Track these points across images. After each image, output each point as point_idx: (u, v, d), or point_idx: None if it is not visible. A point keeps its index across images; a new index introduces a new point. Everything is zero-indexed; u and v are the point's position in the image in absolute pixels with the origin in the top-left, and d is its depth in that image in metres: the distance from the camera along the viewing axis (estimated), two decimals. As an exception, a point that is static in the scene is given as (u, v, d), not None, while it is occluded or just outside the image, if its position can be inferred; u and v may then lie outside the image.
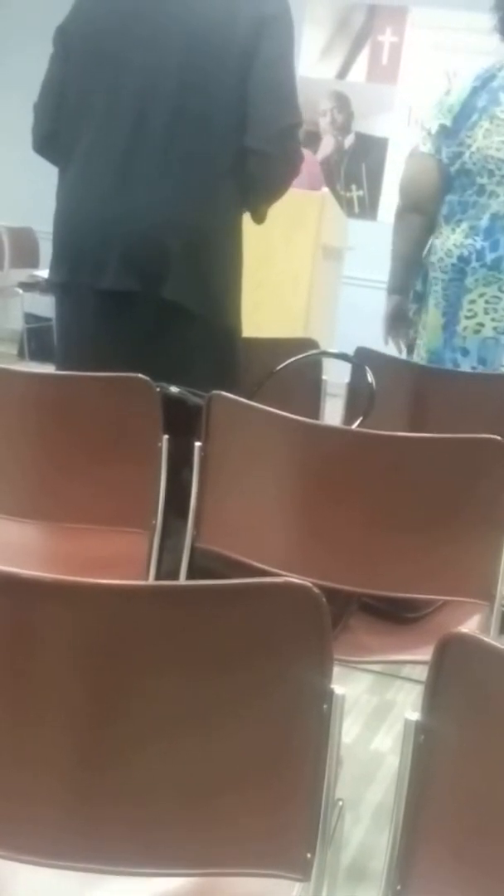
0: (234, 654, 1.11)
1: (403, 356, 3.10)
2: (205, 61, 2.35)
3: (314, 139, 7.11)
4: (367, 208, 7.14)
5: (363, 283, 5.88)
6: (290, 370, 2.49)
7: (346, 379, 2.72)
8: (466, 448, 1.86)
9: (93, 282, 2.40)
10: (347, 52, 7.15)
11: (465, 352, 2.88)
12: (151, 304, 2.39)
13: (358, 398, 2.54)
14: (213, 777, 1.13)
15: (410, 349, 3.11)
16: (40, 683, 1.12)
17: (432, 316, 2.96)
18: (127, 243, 2.36)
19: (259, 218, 2.58)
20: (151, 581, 1.95)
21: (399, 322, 3.12)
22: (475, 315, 2.85)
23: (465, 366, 2.87)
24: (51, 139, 2.53)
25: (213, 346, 2.46)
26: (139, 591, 1.11)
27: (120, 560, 2.10)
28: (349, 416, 2.67)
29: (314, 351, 2.66)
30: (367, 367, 2.40)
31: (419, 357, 3.00)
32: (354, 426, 2.28)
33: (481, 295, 2.84)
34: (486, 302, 2.84)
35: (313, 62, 7.09)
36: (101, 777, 1.14)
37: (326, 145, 7.21)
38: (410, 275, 3.04)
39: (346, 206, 6.98)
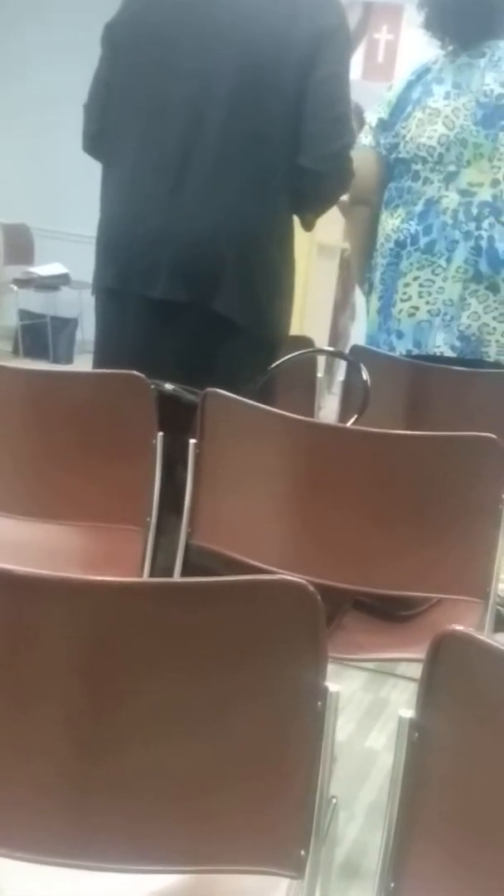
0: (228, 651, 1.11)
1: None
2: (260, 72, 2.30)
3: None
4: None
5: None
6: (284, 368, 2.49)
7: (342, 377, 2.73)
8: (461, 446, 1.86)
9: (142, 290, 2.37)
10: (343, 50, 7.14)
11: (400, 334, 2.91)
12: (200, 315, 2.36)
13: (353, 396, 2.54)
14: (208, 773, 1.13)
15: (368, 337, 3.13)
16: (35, 680, 1.12)
17: (371, 300, 3.02)
18: (179, 253, 2.32)
19: (308, 226, 2.59)
20: (146, 578, 1.95)
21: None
22: (410, 298, 2.89)
23: (401, 348, 2.90)
24: (97, 139, 2.49)
25: (259, 360, 2.43)
26: (133, 588, 1.11)
27: (114, 557, 2.10)
28: (344, 414, 2.67)
29: (309, 349, 2.66)
30: (361, 365, 2.39)
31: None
32: (349, 424, 2.28)
33: (416, 278, 2.88)
34: (420, 285, 2.87)
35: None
36: (95, 774, 1.14)
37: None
38: (368, 264, 3.10)
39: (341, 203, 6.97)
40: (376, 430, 1.91)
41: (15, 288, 7.13)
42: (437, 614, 2.11)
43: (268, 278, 2.43)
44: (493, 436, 1.82)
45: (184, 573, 1.99)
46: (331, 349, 2.64)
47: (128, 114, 2.41)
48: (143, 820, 1.14)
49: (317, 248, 4.73)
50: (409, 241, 2.88)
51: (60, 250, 7.06)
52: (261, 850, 1.14)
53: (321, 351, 2.73)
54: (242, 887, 1.25)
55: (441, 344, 2.85)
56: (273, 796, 1.13)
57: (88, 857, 1.15)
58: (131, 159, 2.39)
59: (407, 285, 2.89)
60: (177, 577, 1.95)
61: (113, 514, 2.06)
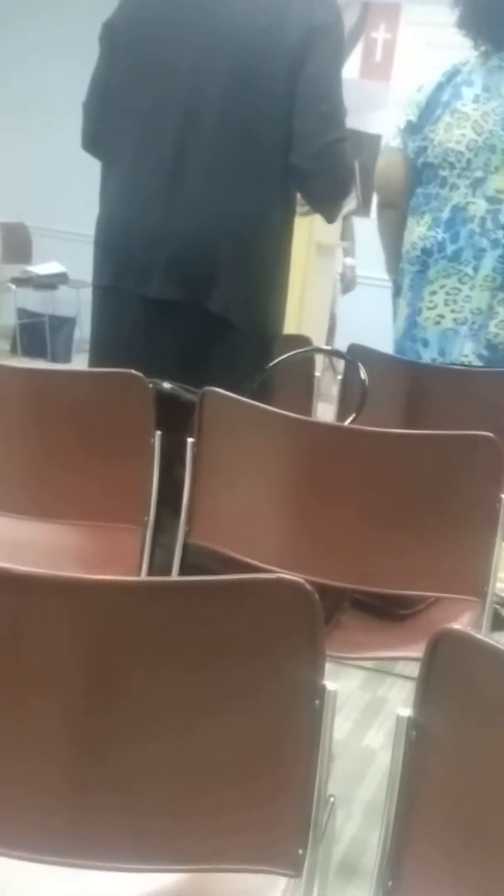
0: (226, 650, 1.11)
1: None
2: (253, 71, 2.30)
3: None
4: (361, 205, 7.13)
5: (357, 279, 5.89)
6: (282, 367, 2.49)
7: (340, 376, 2.73)
8: (458, 444, 1.86)
9: (138, 288, 2.38)
10: (341, 49, 7.13)
11: (426, 342, 2.90)
12: (195, 314, 2.36)
13: (351, 395, 2.54)
14: (206, 772, 1.13)
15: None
16: (34, 679, 1.12)
17: (400, 307, 3.00)
18: (175, 252, 2.33)
19: (330, 219, 2.65)
20: (144, 577, 1.95)
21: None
22: (435, 306, 2.87)
23: (426, 357, 2.89)
24: (95, 137, 2.49)
25: (251, 359, 2.43)
26: (131, 586, 1.11)
27: (112, 556, 2.10)
28: (342, 413, 2.67)
29: (306, 348, 2.67)
30: (359, 364, 2.39)
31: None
32: (347, 423, 2.28)
33: (442, 286, 2.86)
34: (447, 293, 2.85)
35: (307, 59, 7.07)
36: (94, 773, 1.14)
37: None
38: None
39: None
40: (374, 428, 1.91)
41: (13, 287, 7.12)
42: (435, 613, 2.11)
43: (263, 277, 2.43)
44: (491, 434, 1.82)
45: (182, 572, 1.99)
46: (329, 348, 2.63)
47: (126, 113, 2.41)
48: (141, 819, 1.14)
49: (315, 248, 4.73)
50: (435, 248, 2.85)
51: (58, 249, 7.06)
52: (259, 849, 1.14)
53: (319, 350, 2.74)
54: (241, 886, 1.25)
55: (469, 353, 2.83)
56: (271, 795, 1.13)
57: (87, 857, 1.15)
58: (130, 158, 2.40)
59: (433, 293, 2.87)
60: (175, 576, 1.95)
61: (111, 512, 2.06)
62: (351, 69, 7.16)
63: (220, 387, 1.96)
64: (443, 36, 6.68)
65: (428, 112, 2.87)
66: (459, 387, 2.65)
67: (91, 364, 2.51)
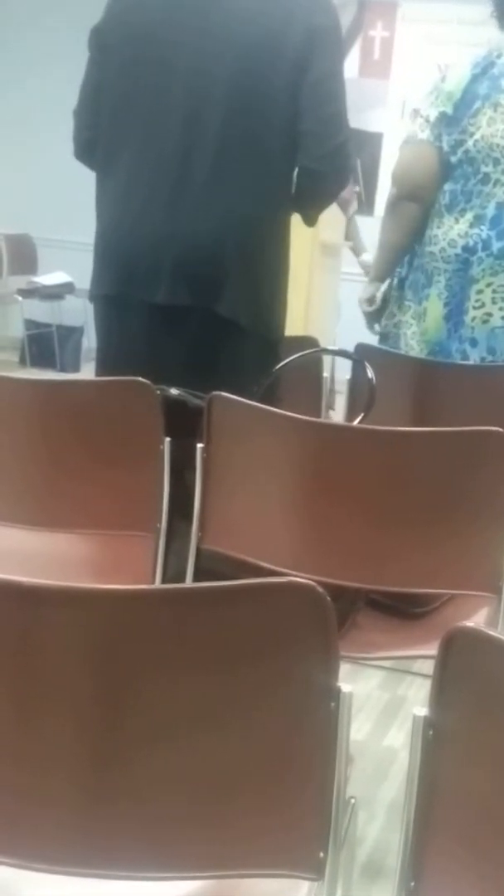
0: (240, 655, 1.10)
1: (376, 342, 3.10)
2: (256, 74, 2.30)
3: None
4: (364, 204, 7.12)
5: (362, 278, 5.88)
6: (290, 368, 2.49)
7: (348, 375, 2.72)
8: (468, 441, 1.86)
9: (145, 295, 2.36)
10: (339, 49, 7.13)
11: (474, 342, 2.86)
12: (202, 318, 2.36)
13: (359, 395, 2.53)
14: (223, 778, 1.13)
15: (385, 337, 3.09)
16: (49, 691, 1.12)
17: (433, 306, 2.92)
18: (179, 258, 2.32)
19: (310, 222, 2.61)
20: (157, 584, 1.94)
21: (382, 309, 3.13)
22: (483, 305, 2.83)
23: (474, 356, 2.85)
24: (90, 146, 2.47)
25: (258, 360, 2.43)
26: (141, 595, 1.11)
27: (125, 564, 2.10)
28: (351, 413, 2.66)
29: (313, 349, 2.66)
30: (366, 363, 2.39)
31: (409, 347, 2.98)
32: (356, 423, 2.28)
33: (489, 284, 2.82)
34: (494, 291, 2.82)
35: (305, 59, 7.08)
36: (112, 782, 1.14)
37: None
38: (397, 264, 3.04)
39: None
40: (383, 428, 1.90)
41: (20, 298, 7.13)
42: (451, 610, 2.11)
43: (268, 279, 2.43)
44: (501, 430, 1.81)
45: (196, 577, 1.99)
46: (336, 348, 2.63)
47: (122, 117, 2.39)
48: (159, 827, 1.13)
49: (320, 248, 4.72)
50: (479, 246, 2.81)
51: (63, 259, 7.07)
52: (279, 854, 1.14)
53: (326, 351, 2.73)
54: (262, 891, 1.24)
55: None
56: (289, 798, 1.13)
57: (106, 866, 1.15)
58: (130, 163, 2.38)
59: (480, 292, 2.83)
60: (189, 583, 1.95)
61: (123, 521, 2.06)
62: (349, 68, 7.15)
63: (228, 390, 1.95)
64: (440, 32, 6.69)
65: (464, 104, 2.79)
66: (468, 383, 2.64)
67: (98, 372, 2.50)
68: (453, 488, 1.88)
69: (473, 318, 2.85)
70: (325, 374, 2.90)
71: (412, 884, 1.09)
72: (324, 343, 2.82)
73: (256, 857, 1.15)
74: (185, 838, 1.14)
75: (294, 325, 4.35)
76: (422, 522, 1.89)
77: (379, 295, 3.12)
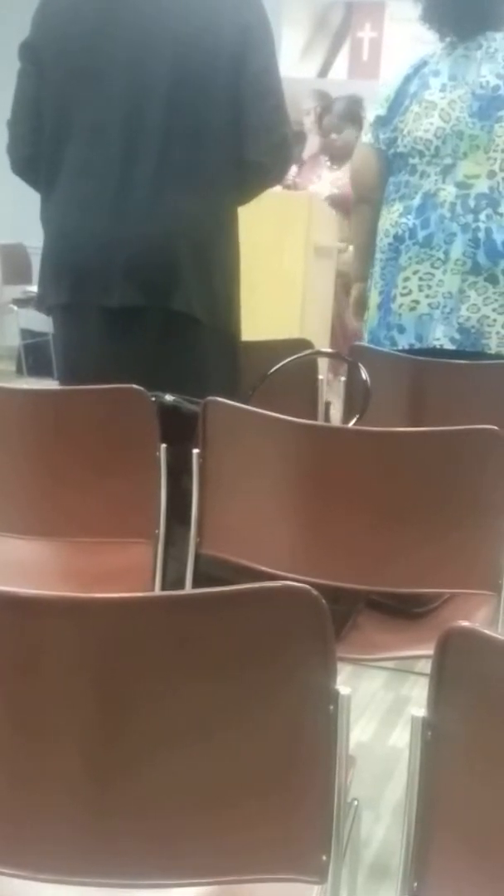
0: (237, 660, 1.10)
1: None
2: (193, 73, 2.33)
3: (300, 138, 7.10)
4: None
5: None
6: (285, 372, 2.49)
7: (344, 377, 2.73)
8: (464, 439, 1.86)
9: (99, 300, 2.37)
10: (327, 51, 7.17)
11: (402, 329, 2.91)
12: (159, 316, 2.38)
13: (355, 396, 2.53)
14: (225, 784, 1.13)
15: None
16: (50, 701, 1.12)
17: (372, 296, 3.01)
18: (130, 259, 2.34)
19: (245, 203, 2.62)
20: (154, 592, 1.95)
21: (362, 307, 3.19)
22: (410, 292, 2.88)
23: (403, 343, 2.90)
24: (31, 161, 2.47)
25: (220, 353, 2.46)
26: (137, 603, 1.11)
27: (125, 571, 2.10)
28: (347, 414, 2.66)
29: (308, 351, 2.66)
30: (360, 365, 2.39)
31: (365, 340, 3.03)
32: (351, 424, 2.28)
33: (415, 272, 2.88)
34: (420, 279, 2.87)
35: (294, 62, 7.11)
36: (115, 791, 1.14)
37: (312, 144, 7.20)
38: (369, 262, 3.10)
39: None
40: (378, 428, 1.91)
41: (15, 308, 7.13)
42: (451, 609, 2.11)
43: (221, 271, 2.46)
44: (496, 427, 1.82)
45: (195, 583, 1.99)
46: (329, 350, 2.63)
47: (63, 129, 2.40)
48: (161, 834, 1.13)
49: (314, 250, 4.72)
50: (407, 235, 2.88)
51: (58, 268, 7.06)
52: (282, 858, 1.14)
53: (320, 353, 2.73)
54: (267, 895, 1.24)
55: (441, 336, 2.84)
56: (291, 802, 1.13)
57: (111, 874, 1.15)
58: (74, 173, 2.40)
59: (407, 279, 2.89)
60: (188, 589, 1.95)
61: (121, 528, 2.06)
62: (339, 70, 7.16)
63: (191, 384, 1.97)
64: (428, 31, 6.69)
65: (396, 104, 2.91)
66: (462, 382, 2.64)
67: (62, 382, 2.51)
68: (450, 487, 1.88)
69: (401, 305, 2.90)
70: (321, 376, 2.90)
71: (415, 884, 1.09)
72: (318, 345, 2.81)
73: (259, 862, 1.15)
74: (188, 845, 1.14)
75: (288, 328, 4.36)
76: (419, 522, 1.89)
77: (356, 292, 3.22)
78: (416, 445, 1.89)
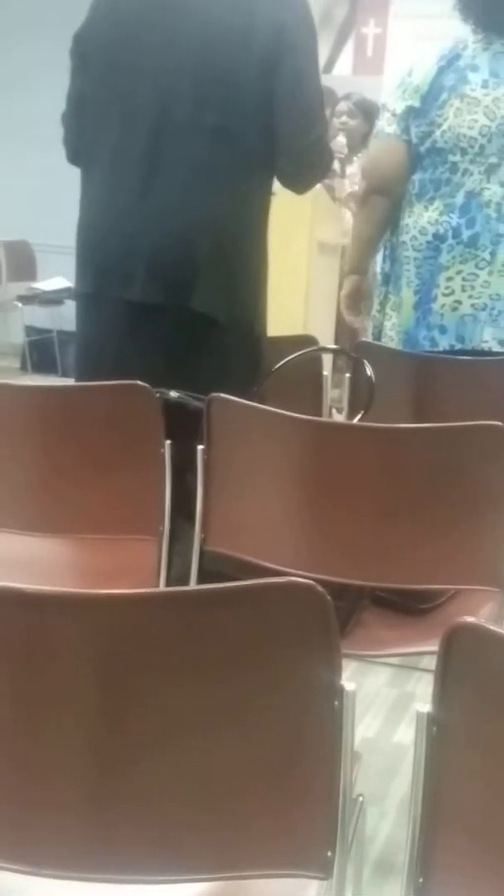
0: (242, 656, 1.10)
1: (368, 336, 3.11)
2: (222, 69, 2.31)
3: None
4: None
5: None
6: (290, 368, 2.49)
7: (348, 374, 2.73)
8: (468, 435, 1.86)
9: (120, 293, 2.38)
10: (332, 46, 7.15)
11: (443, 329, 2.88)
12: (179, 314, 2.37)
13: (359, 392, 2.53)
14: (229, 780, 1.13)
15: (378, 331, 3.10)
16: (54, 697, 1.12)
17: (405, 295, 2.95)
18: (153, 256, 2.34)
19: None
20: (158, 588, 1.95)
21: (357, 301, 3.17)
22: (453, 292, 2.85)
23: (443, 343, 2.87)
24: (77, 149, 2.51)
25: (240, 354, 2.44)
26: (142, 599, 1.11)
27: (129, 568, 2.10)
28: (352, 411, 2.66)
29: (312, 347, 2.66)
30: (365, 361, 2.39)
31: (390, 339, 2.99)
32: (355, 420, 2.28)
33: (458, 272, 2.84)
34: (464, 279, 2.84)
35: (298, 58, 7.08)
36: (118, 785, 1.14)
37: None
38: (371, 256, 3.09)
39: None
40: (383, 425, 1.91)
41: (19, 305, 7.13)
42: (456, 605, 2.11)
43: (243, 274, 2.44)
44: (501, 424, 1.81)
45: (200, 580, 1.99)
46: (334, 347, 2.63)
47: (100, 121, 2.42)
48: (166, 829, 1.14)
49: (317, 246, 4.72)
50: (450, 234, 2.83)
51: (62, 264, 7.04)
52: (287, 854, 1.14)
53: (324, 349, 2.73)
54: (271, 891, 1.24)
55: (489, 339, 2.82)
56: (295, 798, 1.13)
57: (114, 870, 1.15)
58: (106, 165, 2.41)
59: (449, 279, 2.85)
60: (192, 585, 1.95)
61: (126, 525, 2.06)
62: (343, 66, 7.15)
63: (215, 388, 1.96)
64: (432, 27, 6.67)
65: (431, 97, 2.83)
66: (466, 378, 2.64)
67: (78, 373, 2.52)
68: (455, 483, 1.88)
69: (443, 306, 2.87)
70: (325, 372, 2.90)
71: (420, 880, 1.09)
72: (323, 342, 2.81)
73: (264, 858, 1.15)
74: (193, 840, 1.14)
75: (293, 324, 4.37)
76: (424, 518, 1.89)
77: (350, 285, 3.18)
78: (421, 442, 1.89)
